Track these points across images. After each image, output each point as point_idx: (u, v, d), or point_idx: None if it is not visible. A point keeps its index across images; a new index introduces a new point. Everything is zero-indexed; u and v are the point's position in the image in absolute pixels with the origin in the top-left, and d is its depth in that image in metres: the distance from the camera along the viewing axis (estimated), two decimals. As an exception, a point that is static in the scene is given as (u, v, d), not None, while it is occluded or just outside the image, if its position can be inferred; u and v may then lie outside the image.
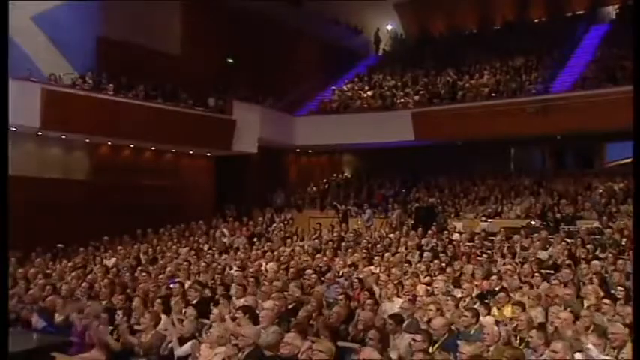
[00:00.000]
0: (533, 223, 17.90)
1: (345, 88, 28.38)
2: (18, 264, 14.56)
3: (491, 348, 6.77)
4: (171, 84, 21.83)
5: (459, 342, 6.66)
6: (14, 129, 17.83)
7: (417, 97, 24.75)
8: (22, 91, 17.01)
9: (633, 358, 3.95)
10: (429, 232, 17.28)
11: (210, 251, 16.41)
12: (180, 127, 20.85)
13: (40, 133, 18.46)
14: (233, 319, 8.22)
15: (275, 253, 15.21)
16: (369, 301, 8.76)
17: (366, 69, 30.35)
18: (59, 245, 16.89)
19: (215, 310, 8.77)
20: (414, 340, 6.67)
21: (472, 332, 7.52)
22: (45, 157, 19.40)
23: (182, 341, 7.99)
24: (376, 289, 10.28)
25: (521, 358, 6.02)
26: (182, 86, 22.12)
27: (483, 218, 19.06)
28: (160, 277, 12.26)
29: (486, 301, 9.11)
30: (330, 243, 16.77)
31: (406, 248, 15.18)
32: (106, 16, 20.40)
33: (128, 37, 20.97)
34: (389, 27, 33.51)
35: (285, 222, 21.63)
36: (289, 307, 9.27)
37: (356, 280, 10.81)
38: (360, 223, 20.35)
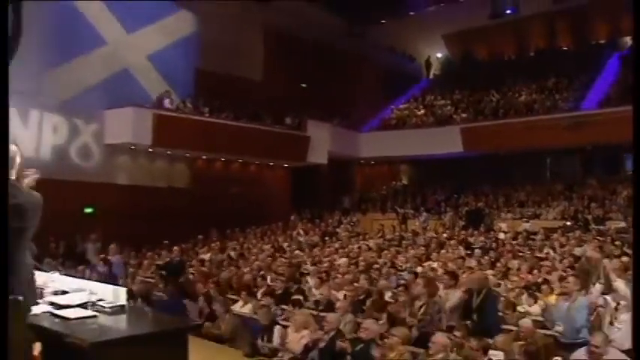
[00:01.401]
0: (568, 223, 17.86)
1: (402, 107, 28.62)
2: (136, 256, 15.33)
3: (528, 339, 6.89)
4: (254, 106, 22.17)
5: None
6: (132, 147, 18.81)
7: (464, 115, 24.81)
8: (138, 116, 18.09)
9: (634, 357, 4.00)
10: (478, 232, 17.38)
11: (289, 248, 16.67)
12: (263, 143, 21.24)
13: (150, 150, 19.24)
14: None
15: (345, 250, 15.30)
16: (441, 292, 8.59)
17: (419, 91, 30.47)
18: (165, 242, 17.45)
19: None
20: (454, 335, 6.80)
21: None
22: (153, 169, 20.13)
23: (266, 328, 8.13)
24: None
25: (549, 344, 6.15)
26: (264, 108, 22.46)
27: (525, 219, 19.01)
28: (247, 269, 12.47)
29: (531, 291, 9.31)
30: (392, 241, 16.95)
31: (459, 246, 15.29)
32: (202, 50, 20.95)
33: (220, 68, 21.44)
34: (438, 55, 33.56)
35: (352, 223, 21.87)
36: (360, 297, 9.36)
37: (412, 274, 10.88)
38: (417, 224, 20.47)
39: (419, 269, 11.78)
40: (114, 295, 4.42)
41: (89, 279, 9.73)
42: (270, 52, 24.41)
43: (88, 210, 17.95)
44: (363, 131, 26.38)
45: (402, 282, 10.53)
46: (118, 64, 18.95)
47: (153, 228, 17.41)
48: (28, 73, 15.86)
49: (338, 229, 20.58)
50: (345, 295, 9.36)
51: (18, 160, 3.60)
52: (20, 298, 3.28)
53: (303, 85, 25.85)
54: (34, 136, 17.22)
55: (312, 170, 24.33)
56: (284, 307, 9.14)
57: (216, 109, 20.83)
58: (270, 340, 7.90)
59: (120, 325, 4.10)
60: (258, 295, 9.85)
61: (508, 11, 26.40)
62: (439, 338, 5.95)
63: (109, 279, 9.48)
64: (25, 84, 16.17)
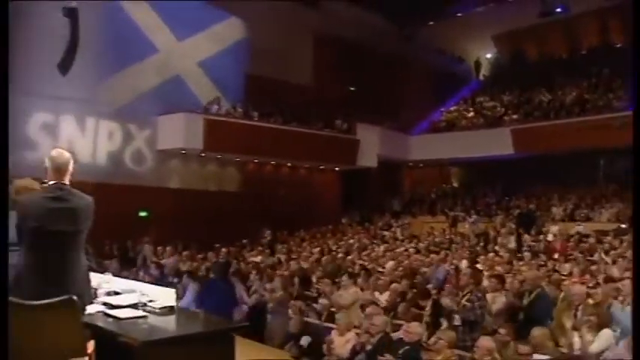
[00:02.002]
0: (623, 226, 17.39)
1: (451, 109, 28.40)
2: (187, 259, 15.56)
3: (580, 307, 6.76)
4: (304, 110, 22.30)
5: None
6: (183, 151, 19.20)
7: (515, 116, 24.45)
8: (189, 122, 18.48)
9: (633, 357, 3.87)
10: (529, 234, 17.11)
11: (338, 251, 16.49)
12: (312, 147, 21.39)
13: (202, 154, 19.58)
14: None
15: (393, 253, 15.12)
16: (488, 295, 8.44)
17: (469, 92, 30.15)
18: (216, 245, 17.62)
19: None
20: (499, 332, 6.73)
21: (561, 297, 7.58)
22: (205, 173, 20.50)
23: (293, 336, 8.22)
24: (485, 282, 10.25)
25: (604, 315, 5.98)
26: (313, 112, 22.60)
27: (577, 222, 18.61)
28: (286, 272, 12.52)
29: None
30: (442, 244, 16.76)
31: (509, 236, 15.05)
32: (252, 56, 21.14)
33: (270, 73, 21.60)
34: (487, 55, 33.15)
35: (402, 226, 21.77)
36: (397, 300, 9.24)
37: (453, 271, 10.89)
38: (467, 226, 20.27)
39: (464, 263, 11.67)
40: (164, 296, 4.56)
41: (142, 280, 10.10)
42: (319, 57, 24.55)
43: (143, 213, 18.41)
44: (413, 134, 26.28)
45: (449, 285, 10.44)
46: (169, 71, 19.37)
47: (204, 231, 17.67)
48: (84, 82, 16.43)
49: (387, 232, 20.47)
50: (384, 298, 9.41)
51: (71, 165, 3.78)
52: (74, 297, 3.43)
53: (352, 89, 25.86)
54: (91, 142, 17.81)
55: (361, 173, 24.31)
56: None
57: (266, 114, 21.02)
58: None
59: (169, 325, 4.23)
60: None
61: (558, 9, 25.87)
62: (484, 342, 5.88)
63: (162, 281, 9.75)
64: (81, 92, 16.80)
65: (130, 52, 18.32)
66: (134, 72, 18.40)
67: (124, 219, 16.69)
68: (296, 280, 10.99)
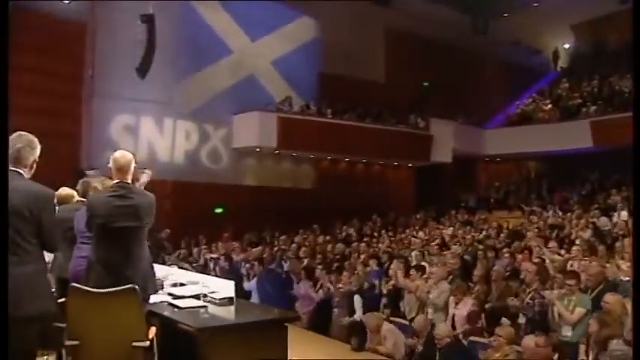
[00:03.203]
0: None
1: (528, 102, 27.74)
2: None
3: None
4: (377, 107, 22.37)
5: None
6: (258, 149, 19.63)
7: (593, 108, 23.71)
8: (263, 120, 18.86)
9: (634, 357, 3.78)
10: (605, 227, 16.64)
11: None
12: (386, 143, 21.36)
13: (276, 152, 19.90)
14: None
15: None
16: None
17: (546, 84, 29.28)
18: (293, 239, 17.72)
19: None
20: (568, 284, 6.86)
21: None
22: (280, 170, 20.84)
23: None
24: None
25: None
26: (387, 108, 22.61)
27: (659, 216, 17.82)
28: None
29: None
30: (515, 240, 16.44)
31: (586, 229, 14.87)
32: (324, 54, 21.49)
33: (342, 71, 21.81)
34: (566, 46, 32.13)
35: (478, 221, 21.43)
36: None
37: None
38: (542, 222, 19.75)
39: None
40: (224, 288, 4.86)
41: (214, 274, 10.56)
42: (391, 53, 24.41)
43: (219, 210, 18.96)
44: (488, 128, 25.81)
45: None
46: (244, 71, 19.82)
47: (279, 227, 17.99)
48: (162, 84, 17.12)
49: (461, 228, 20.21)
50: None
51: (133, 165, 4.10)
52: (136, 287, 3.74)
53: (426, 84, 25.68)
54: (169, 142, 18.46)
55: (436, 169, 24.09)
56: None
57: (340, 111, 21.16)
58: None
59: (227, 314, 4.51)
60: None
61: (640, -6, 24.81)
62: (529, 342, 5.86)
63: (231, 274, 10.14)
64: (159, 94, 17.52)
65: (205, 54, 18.90)
66: (209, 73, 18.98)
67: (202, 215, 17.40)
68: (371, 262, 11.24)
